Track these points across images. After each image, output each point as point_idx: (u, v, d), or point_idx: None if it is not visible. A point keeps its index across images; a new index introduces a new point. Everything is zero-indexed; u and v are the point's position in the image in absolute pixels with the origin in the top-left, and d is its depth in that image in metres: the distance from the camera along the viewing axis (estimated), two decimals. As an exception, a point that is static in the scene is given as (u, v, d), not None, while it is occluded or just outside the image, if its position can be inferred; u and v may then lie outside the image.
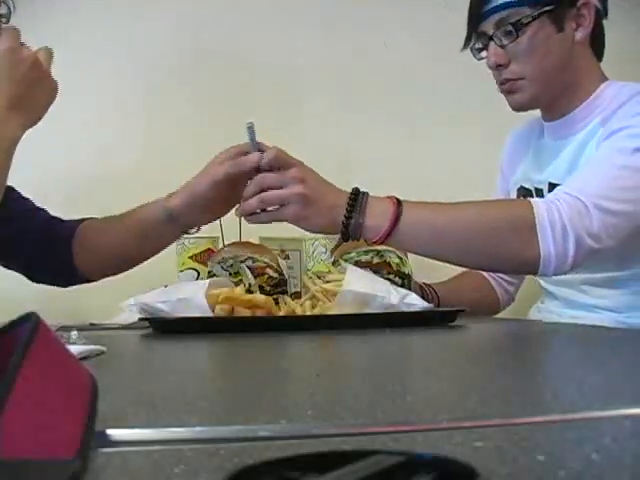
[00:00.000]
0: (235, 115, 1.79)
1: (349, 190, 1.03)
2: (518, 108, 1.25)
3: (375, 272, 1.11)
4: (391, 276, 1.13)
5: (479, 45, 1.23)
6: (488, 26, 1.19)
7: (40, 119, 1.00)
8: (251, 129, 1.07)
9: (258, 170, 1.03)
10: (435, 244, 1.03)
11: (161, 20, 1.79)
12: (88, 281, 1.23)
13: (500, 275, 1.44)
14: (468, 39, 1.24)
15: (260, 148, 1.05)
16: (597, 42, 1.23)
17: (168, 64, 1.78)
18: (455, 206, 1.05)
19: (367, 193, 1.02)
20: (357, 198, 1.01)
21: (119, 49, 1.75)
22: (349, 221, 1.00)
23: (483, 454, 0.29)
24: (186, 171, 1.82)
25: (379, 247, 1.15)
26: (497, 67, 1.20)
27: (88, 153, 1.66)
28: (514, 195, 1.37)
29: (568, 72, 1.20)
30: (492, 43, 1.19)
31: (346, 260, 1.14)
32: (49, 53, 1.01)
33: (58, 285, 1.26)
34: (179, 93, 1.77)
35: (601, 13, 1.22)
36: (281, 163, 1.03)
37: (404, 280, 1.14)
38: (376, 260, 1.14)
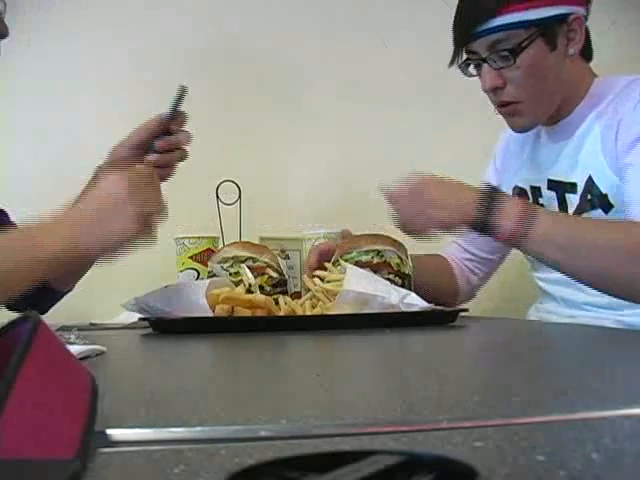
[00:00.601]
0: (235, 116, 1.80)
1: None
2: (520, 130, 1.25)
3: (375, 272, 1.11)
4: (391, 276, 1.13)
5: (467, 62, 1.21)
6: (480, 47, 1.17)
7: (97, 249, 0.86)
8: (178, 93, 1.08)
9: (167, 132, 1.07)
10: (558, 259, 1.05)
11: (161, 21, 1.78)
12: (67, 292, 1.22)
13: (466, 264, 1.44)
14: (455, 56, 1.21)
15: (177, 115, 1.08)
16: (586, 49, 1.23)
17: (169, 64, 1.78)
18: (585, 225, 1.07)
19: (500, 192, 1.05)
20: (490, 197, 1.03)
21: (119, 50, 1.75)
22: (481, 218, 1.02)
23: (483, 454, 0.29)
24: (189, 171, 1.82)
25: (379, 247, 1.15)
26: (493, 90, 1.19)
27: (87, 156, 1.65)
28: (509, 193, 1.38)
29: (563, 86, 1.21)
30: (486, 66, 1.17)
31: (346, 260, 1.14)
32: (160, 210, 0.92)
33: (41, 311, 1.24)
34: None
35: (587, 18, 1.21)
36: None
37: (404, 280, 1.14)
38: (376, 260, 1.14)
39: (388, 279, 1.11)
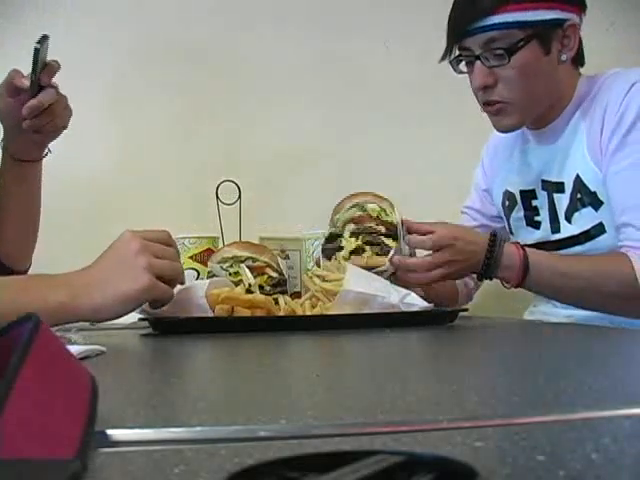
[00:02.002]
0: (235, 116, 1.80)
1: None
2: (505, 131, 1.25)
3: (359, 226, 1.12)
4: (373, 224, 1.12)
5: (459, 58, 1.22)
6: (474, 44, 1.17)
7: (108, 302, 0.83)
8: (37, 50, 1.02)
9: (33, 95, 1.05)
10: (555, 297, 1.25)
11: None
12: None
13: None
14: (448, 52, 1.22)
15: (42, 68, 1.04)
16: (578, 56, 1.24)
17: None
18: (572, 265, 1.16)
19: (501, 248, 1.15)
20: (493, 252, 1.14)
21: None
22: (487, 273, 1.16)
23: (483, 454, 0.29)
24: (189, 171, 1.82)
25: (360, 199, 1.15)
26: (483, 88, 1.19)
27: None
28: (499, 198, 1.40)
29: (553, 91, 1.22)
30: (478, 63, 1.18)
31: (337, 220, 1.15)
32: (175, 269, 0.89)
33: None
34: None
35: (580, 28, 1.23)
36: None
37: (389, 229, 1.13)
38: (358, 213, 1.15)
39: (375, 230, 1.11)
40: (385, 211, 1.14)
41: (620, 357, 0.69)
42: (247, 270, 1.14)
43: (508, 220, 1.39)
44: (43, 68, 1.05)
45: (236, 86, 1.80)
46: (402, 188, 1.84)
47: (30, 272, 1.26)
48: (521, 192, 1.32)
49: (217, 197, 1.44)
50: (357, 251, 1.12)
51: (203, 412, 0.40)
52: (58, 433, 0.28)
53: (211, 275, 1.19)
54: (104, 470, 0.29)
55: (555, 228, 1.27)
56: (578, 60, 1.24)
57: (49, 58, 1.06)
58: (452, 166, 1.79)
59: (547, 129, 1.26)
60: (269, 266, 1.17)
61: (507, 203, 1.38)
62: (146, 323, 1.02)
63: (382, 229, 1.12)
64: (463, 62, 1.23)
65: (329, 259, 1.13)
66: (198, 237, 1.36)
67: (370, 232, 1.11)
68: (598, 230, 1.19)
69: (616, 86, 1.16)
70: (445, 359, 0.71)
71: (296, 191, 1.78)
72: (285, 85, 1.82)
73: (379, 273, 1.10)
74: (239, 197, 1.45)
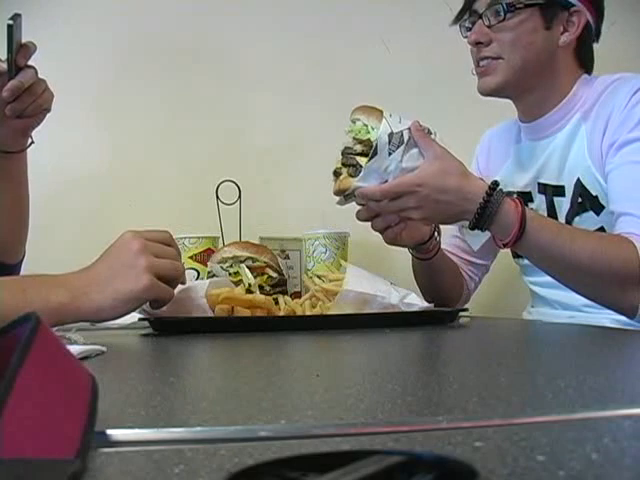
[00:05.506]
0: (235, 116, 1.80)
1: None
2: (487, 92, 1.25)
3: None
4: (351, 143, 1.05)
5: (469, 24, 1.25)
6: (481, 5, 1.21)
7: (108, 302, 0.83)
8: (10, 27, 1.00)
9: (11, 77, 1.03)
10: (547, 267, 1.10)
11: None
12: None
13: (465, 270, 1.43)
14: (460, 15, 1.25)
15: (18, 49, 1.02)
16: (583, 54, 1.24)
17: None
18: (572, 237, 1.06)
19: (498, 203, 1.03)
20: (487, 205, 1.03)
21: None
22: (479, 225, 1.04)
23: (483, 454, 0.29)
24: (189, 171, 1.82)
25: (354, 115, 1.07)
26: (476, 44, 1.21)
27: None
28: None
29: (546, 71, 1.22)
30: (479, 21, 1.21)
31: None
32: (176, 269, 0.89)
33: None
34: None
35: (592, 31, 1.23)
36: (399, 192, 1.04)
37: (366, 147, 1.04)
38: (347, 129, 1.07)
39: (351, 150, 1.05)
40: (367, 127, 1.05)
41: (620, 357, 0.69)
42: (247, 270, 1.14)
43: None
44: (19, 49, 1.04)
45: (236, 86, 1.80)
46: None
47: (30, 273, 1.26)
48: (518, 194, 1.32)
49: (217, 197, 1.44)
50: (336, 173, 1.07)
51: (203, 412, 0.40)
52: (58, 433, 0.28)
53: (211, 275, 1.19)
54: (104, 470, 0.29)
55: None
56: (583, 61, 1.24)
57: (25, 39, 1.05)
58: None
59: (538, 122, 1.26)
60: (269, 266, 1.17)
61: None
62: (146, 323, 1.02)
63: (358, 148, 1.05)
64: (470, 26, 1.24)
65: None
66: (198, 237, 1.36)
67: (347, 152, 1.05)
68: None
69: (621, 91, 1.16)
70: (445, 359, 0.71)
71: (296, 191, 1.78)
72: (285, 85, 1.82)
73: (347, 196, 1.05)
74: (239, 197, 1.45)
